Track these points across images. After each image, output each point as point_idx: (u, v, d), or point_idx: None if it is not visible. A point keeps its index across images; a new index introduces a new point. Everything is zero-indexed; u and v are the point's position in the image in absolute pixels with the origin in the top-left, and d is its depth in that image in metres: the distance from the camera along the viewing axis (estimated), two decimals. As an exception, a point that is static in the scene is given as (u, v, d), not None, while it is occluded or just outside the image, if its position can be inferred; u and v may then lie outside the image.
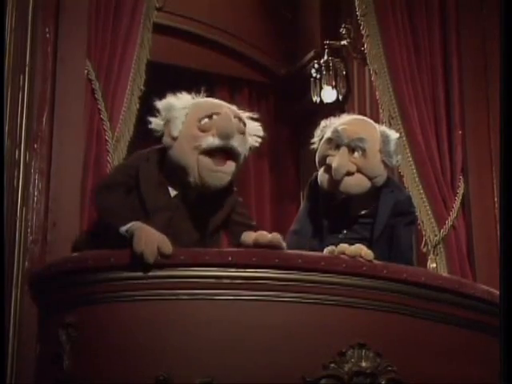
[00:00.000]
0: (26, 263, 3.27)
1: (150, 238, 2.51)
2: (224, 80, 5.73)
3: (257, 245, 2.65)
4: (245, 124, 2.92)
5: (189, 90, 2.96)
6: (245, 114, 2.95)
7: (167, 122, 2.85)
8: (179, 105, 2.87)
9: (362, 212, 3.25)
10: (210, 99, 2.96)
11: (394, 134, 3.28)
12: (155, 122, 2.88)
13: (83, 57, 3.64)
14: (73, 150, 3.55)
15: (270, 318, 2.49)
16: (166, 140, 2.84)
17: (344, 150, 3.18)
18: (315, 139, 3.33)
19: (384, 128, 3.34)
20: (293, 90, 5.81)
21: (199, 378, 2.42)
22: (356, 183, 3.18)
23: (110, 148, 3.71)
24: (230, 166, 2.85)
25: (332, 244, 2.72)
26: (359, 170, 3.17)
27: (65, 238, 3.36)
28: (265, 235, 2.65)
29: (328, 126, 3.28)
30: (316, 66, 5.38)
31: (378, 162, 3.20)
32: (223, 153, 2.83)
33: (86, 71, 3.66)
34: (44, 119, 3.48)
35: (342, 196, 3.23)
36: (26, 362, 3.10)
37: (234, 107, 2.93)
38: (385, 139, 3.22)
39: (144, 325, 2.49)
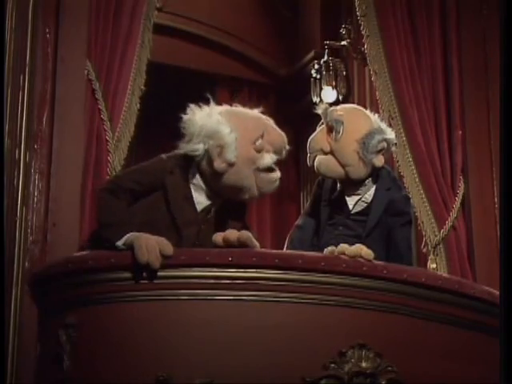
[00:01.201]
0: (26, 263, 3.26)
1: (150, 245, 2.52)
2: (224, 80, 5.74)
3: (227, 244, 2.65)
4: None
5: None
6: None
7: (217, 148, 2.82)
8: (225, 130, 2.84)
9: (356, 210, 3.25)
10: (251, 115, 2.96)
11: (388, 134, 3.27)
12: (192, 146, 2.85)
13: (83, 57, 3.64)
14: (73, 150, 3.55)
15: (270, 319, 2.49)
16: (220, 166, 2.81)
17: (323, 128, 3.25)
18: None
19: (383, 126, 3.31)
20: (293, 90, 5.81)
21: (199, 378, 2.42)
22: (325, 164, 3.22)
23: (111, 148, 3.71)
24: (279, 171, 2.96)
25: (328, 240, 2.72)
26: (331, 152, 3.20)
27: (65, 239, 3.36)
28: (233, 233, 2.66)
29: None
30: (316, 66, 5.39)
31: (351, 150, 3.19)
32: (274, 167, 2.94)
33: (86, 71, 3.66)
34: (44, 119, 3.48)
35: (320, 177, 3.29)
36: (26, 362, 3.10)
37: (267, 117, 2.99)
38: (370, 133, 3.21)
39: (144, 325, 2.50)
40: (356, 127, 3.21)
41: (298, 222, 3.43)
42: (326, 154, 3.22)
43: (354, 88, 5.38)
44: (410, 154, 4.28)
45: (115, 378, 2.48)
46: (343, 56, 5.42)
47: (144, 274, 2.51)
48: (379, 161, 3.22)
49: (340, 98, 5.33)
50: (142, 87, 3.88)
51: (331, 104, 5.25)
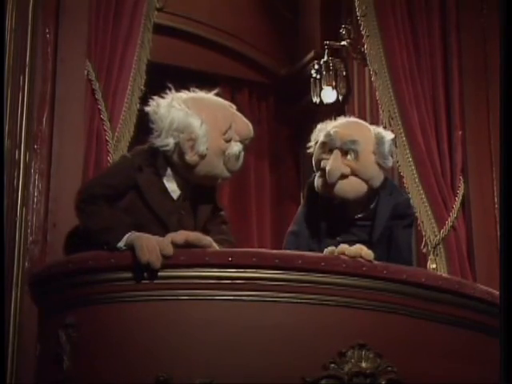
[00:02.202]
0: (26, 263, 3.26)
1: (150, 245, 2.52)
2: (224, 80, 5.73)
3: (175, 246, 2.62)
4: None
5: (189, 90, 2.95)
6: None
7: (188, 141, 2.82)
8: (196, 122, 2.84)
9: (360, 215, 3.25)
10: (218, 104, 2.97)
11: (388, 135, 3.28)
12: (162, 141, 2.84)
13: (83, 57, 3.64)
14: (73, 150, 3.55)
15: (270, 319, 2.49)
16: (192, 159, 2.82)
17: (337, 153, 3.19)
18: (311, 143, 3.34)
19: (379, 129, 3.33)
20: (293, 90, 5.81)
21: (199, 378, 2.42)
22: (351, 186, 3.19)
23: (111, 148, 3.70)
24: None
25: (331, 246, 2.71)
26: (353, 173, 3.18)
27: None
28: (182, 235, 2.63)
29: (323, 130, 3.29)
30: (316, 66, 5.39)
31: (371, 163, 3.20)
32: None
33: (86, 71, 3.66)
34: (44, 119, 3.47)
35: (339, 200, 3.23)
36: (26, 362, 3.09)
37: (231, 104, 3.00)
38: (379, 141, 3.22)
39: (144, 325, 2.50)
40: (366, 140, 3.21)
41: (292, 228, 3.39)
42: (346, 177, 3.19)
43: (354, 88, 5.37)
44: (409, 154, 4.27)
45: (115, 378, 2.48)
46: (343, 56, 5.41)
47: (144, 274, 2.52)
48: (391, 162, 3.27)
49: (340, 98, 5.33)
50: (142, 87, 3.88)
51: (331, 104, 5.29)
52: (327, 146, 3.22)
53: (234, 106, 2.99)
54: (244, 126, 2.95)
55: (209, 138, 2.83)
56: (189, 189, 2.93)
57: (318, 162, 3.26)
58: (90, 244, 2.70)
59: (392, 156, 3.26)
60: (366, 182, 3.20)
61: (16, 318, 3.20)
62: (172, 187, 2.91)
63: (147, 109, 2.89)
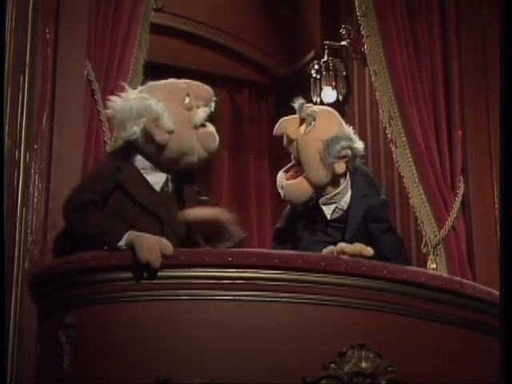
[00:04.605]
0: (26, 263, 3.26)
1: (150, 244, 2.52)
2: (224, 80, 5.73)
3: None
4: None
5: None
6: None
7: (152, 122, 2.86)
8: (152, 102, 2.89)
9: (333, 216, 3.23)
10: (169, 82, 3.03)
11: (356, 144, 3.26)
12: (128, 132, 2.89)
13: (83, 57, 3.63)
14: (73, 150, 3.54)
15: (270, 319, 2.49)
16: (162, 137, 2.85)
17: (297, 117, 3.29)
18: None
19: (353, 135, 3.30)
20: (293, 90, 5.80)
21: (199, 378, 2.42)
22: (297, 188, 3.22)
23: (109, 149, 3.70)
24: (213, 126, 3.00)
25: (307, 245, 2.72)
26: (296, 142, 3.24)
27: (65, 239, 3.35)
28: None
29: None
30: (316, 66, 5.38)
31: (314, 148, 3.21)
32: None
33: (86, 72, 3.66)
34: (44, 119, 3.47)
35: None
36: (26, 362, 3.09)
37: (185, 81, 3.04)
38: (337, 137, 3.21)
39: (144, 325, 2.50)
40: (325, 127, 3.23)
41: (278, 224, 3.43)
42: (291, 141, 3.25)
43: (354, 88, 5.37)
44: (409, 154, 4.27)
45: (115, 378, 2.48)
46: (343, 56, 5.41)
47: (144, 274, 2.52)
48: (340, 167, 3.20)
49: (340, 98, 5.33)
50: (140, 87, 3.87)
51: (331, 104, 5.28)
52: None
53: (188, 81, 3.02)
54: (202, 89, 2.98)
55: (170, 111, 2.87)
56: (169, 179, 2.95)
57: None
58: (87, 246, 2.70)
59: (337, 158, 3.19)
60: (308, 178, 3.19)
61: (16, 317, 3.19)
62: (153, 179, 2.93)
63: (106, 111, 2.94)
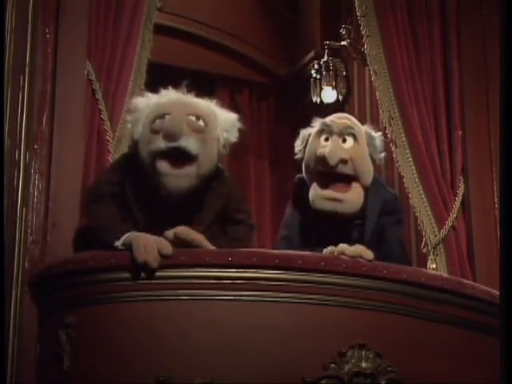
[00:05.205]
0: (26, 264, 3.26)
1: (148, 244, 2.51)
2: (224, 81, 5.74)
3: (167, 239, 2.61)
4: (206, 122, 2.78)
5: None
6: (212, 110, 2.83)
7: (131, 125, 2.83)
8: (143, 105, 2.81)
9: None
10: (175, 96, 2.83)
11: (376, 132, 3.26)
12: (134, 132, 2.84)
13: (83, 57, 3.64)
14: (73, 150, 3.55)
15: (270, 319, 2.49)
16: (129, 144, 2.84)
17: (336, 138, 3.12)
18: (299, 148, 3.26)
19: (365, 126, 3.28)
20: (293, 90, 5.81)
21: (199, 378, 2.42)
22: (350, 169, 3.10)
23: (111, 148, 3.71)
24: (188, 169, 2.73)
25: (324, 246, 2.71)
26: (351, 160, 3.09)
27: (65, 239, 3.35)
28: (173, 230, 2.61)
29: (308, 132, 3.24)
30: (316, 66, 5.39)
31: (367, 154, 3.17)
32: (180, 155, 2.71)
33: (86, 71, 3.66)
34: (44, 119, 3.47)
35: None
36: (26, 362, 3.10)
37: (196, 103, 2.82)
38: (370, 135, 3.20)
39: (144, 325, 2.49)
40: (360, 131, 3.19)
41: (284, 233, 3.34)
42: (346, 162, 3.08)
43: (354, 88, 5.38)
44: (409, 154, 4.28)
45: (115, 378, 2.47)
46: (343, 56, 5.42)
47: (142, 274, 2.51)
48: (383, 159, 3.25)
49: (340, 98, 5.33)
50: (142, 87, 3.88)
51: (331, 104, 5.28)
52: (323, 134, 3.15)
53: (201, 107, 2.83)
54: (171, 122, 2.73)
55: (143, 124, 2.77)
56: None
57: (313, 153, 3.14)
58: (94, 243, 2.71)
59: (381, 152, 3.22)
60: (361, 183, 3.14)
61: (16, 317, 3.20)
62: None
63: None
